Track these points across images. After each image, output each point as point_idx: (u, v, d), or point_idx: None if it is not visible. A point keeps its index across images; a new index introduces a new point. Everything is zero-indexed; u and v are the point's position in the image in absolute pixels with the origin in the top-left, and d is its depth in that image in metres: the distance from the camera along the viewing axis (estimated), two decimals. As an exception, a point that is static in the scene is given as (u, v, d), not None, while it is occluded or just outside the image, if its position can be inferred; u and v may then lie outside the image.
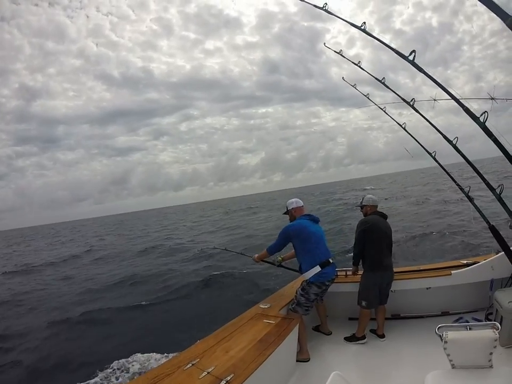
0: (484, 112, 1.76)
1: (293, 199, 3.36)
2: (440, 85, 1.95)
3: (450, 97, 1.96)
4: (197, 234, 22.06)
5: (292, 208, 3.28)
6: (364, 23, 2.35)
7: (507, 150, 1.79)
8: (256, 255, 3.50)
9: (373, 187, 45.21)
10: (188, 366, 2.21)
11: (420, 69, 1.99)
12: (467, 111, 1.83)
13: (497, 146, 1.78)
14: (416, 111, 2.60)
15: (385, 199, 23.43)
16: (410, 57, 1.99)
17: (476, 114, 1.81)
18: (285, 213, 3.37)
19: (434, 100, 2.39)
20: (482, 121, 1.80)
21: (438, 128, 2.54)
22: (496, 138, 1.78)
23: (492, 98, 3.59)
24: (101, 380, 4.47)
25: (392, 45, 2.23)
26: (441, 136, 2.47)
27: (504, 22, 0.99)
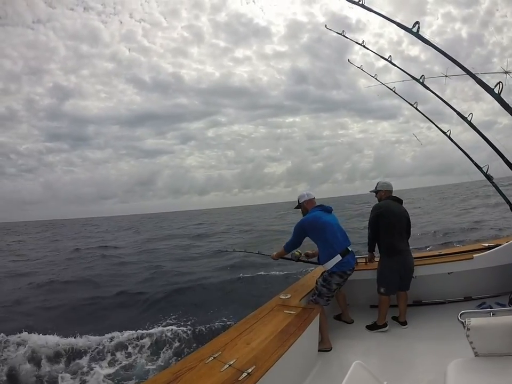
0: (498, 83, 1.60)
1: (304, 192, 3.30)
2: (450, 56, 1.79)
3: (462, 70, 1.80)
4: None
5: (304, 201, 3.23)
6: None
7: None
8: (275, 253, 3.49)
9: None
10: (210, 359, 2.23)
11: (425, 41, 1.84)
12: (480, 82, 1.67)
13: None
14: (426, 87, 2.44)
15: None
16: (414, 29, 1.84)
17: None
18: (296, 207, 3.34)
19: (446, 75, 2.23)
20: (497, 92, 1.64)
21: (451, 104, 2.37)
22: (513, 109, 1.62)
23: (506, 72, 3.34)
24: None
25: (397, 20, 2.10)
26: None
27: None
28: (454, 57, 1.80)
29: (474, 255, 3.25)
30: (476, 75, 1.80)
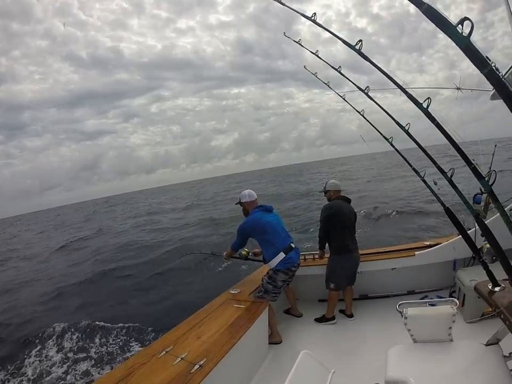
0: (427, 98, 1.81)
1: (246, 192, 3.35)
2: (384, 72, 1.99)
3: (395, 86, 2.01)
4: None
5: (245, 201, 3.31)
6: (314, 13, 2.34)
7: (449, 134, 1.86)
8: (225, 253, 3.55)
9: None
10: (162, 353, 2.29)
11: (366, 58, 2.02)
12: (410, 97, 1.88)
13: (440, 130, 1.84)
14: (370, 98, 2.65)
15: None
16: (357, 47, 2.01)
17: (419, 101, 1.86)
18: (237, 203, 3.39)
19: (405, 88, 2.44)
20: (425, 106, 1.84)
21: (391, 114, 2.60)
22: (439, 123, 1.84)
23: (458, 88, 3.69)
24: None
25: (343, 36, 2.27)
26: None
27: (419, 9, 1.00)
28: (389, 74, 2.00)
29: (416, 252, 3.50)
30: (407, 90, 2.00)
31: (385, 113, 2.56)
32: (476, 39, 0.98)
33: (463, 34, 0.98)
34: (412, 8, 1.00)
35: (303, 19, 2.50)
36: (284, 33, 3.61)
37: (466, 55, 1.01)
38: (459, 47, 0.99)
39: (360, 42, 2.09)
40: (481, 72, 1.02)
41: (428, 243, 3.72)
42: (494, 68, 1.05)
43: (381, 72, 1.96)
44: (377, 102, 3.34)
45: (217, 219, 16.11)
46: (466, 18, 0.98)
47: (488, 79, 1.04)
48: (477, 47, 1.00)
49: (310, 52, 3.25)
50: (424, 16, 0.98)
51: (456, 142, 1.75)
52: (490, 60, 1.06)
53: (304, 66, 3.90)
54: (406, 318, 1.92)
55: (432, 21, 0.99)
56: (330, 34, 2.54)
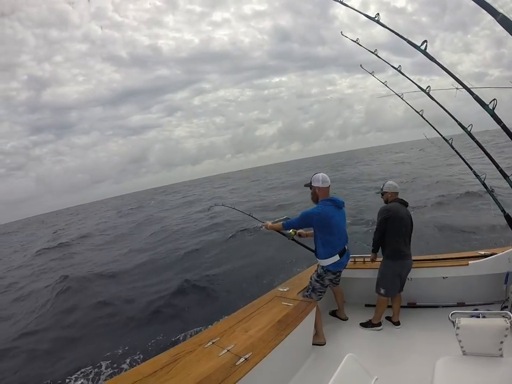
0: (493, 100, 1.81)
1: (320, 175, 3.01)
2: (451, 74, 2.00)
3: (461, 86, 2.01)
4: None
5: (317, 186, 2.98)
6: (378, 14, 2.39)
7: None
8: (269, 223, 3.36)
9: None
10: (209, 344, 2.35)
11: (432, 59, 2.04)
12: (477, 99, 1.88)
13: (506, 133, 1.83)
14: (432, 98, 2.63)
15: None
16: (422, 47, 2.04)
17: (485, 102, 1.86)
18: (306, 185, 3.13)
19: (457, 88, 2.41)
20: (491, 108, 1.85)
21: (453, 115, 2.56)
22: (505, 125, 1.83)
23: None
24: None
25: (404, 34, 2.29)
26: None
27: (495, 18, 1.07)
28: (455, 74, 2.01)
29: (469, 262, 3.31)
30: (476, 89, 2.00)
31: (449, 115, 2.51)
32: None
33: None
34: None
35: (337, 3, 2.51)
36: (341, 32, 3.65)
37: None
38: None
39: (425, 43, 2.12)
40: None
41: (483, 252, 3.48)
42: None
43: (448, 73, 1.98)
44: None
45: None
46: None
47: None
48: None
49: (369, 51, 3.27)
50: (500, 25, 1.04)
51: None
52: None
53: (361, 65, 3.91)
54: (458, 328, 1.86)
55: (508, 31, 1.04)
56: (367, 18, 2.51)
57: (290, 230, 3.34)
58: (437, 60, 2.04)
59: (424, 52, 2.04)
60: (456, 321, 1.89)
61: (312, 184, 3.02)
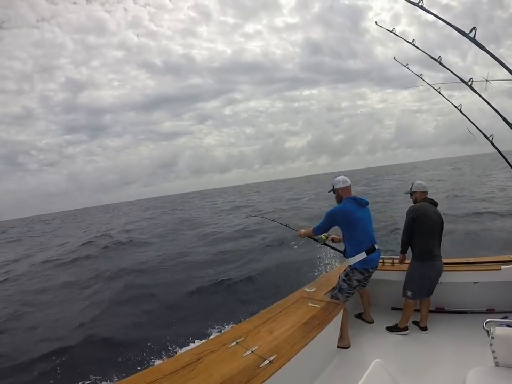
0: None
1: (340, 177, 3.18)
2: (504, 65, 1.83)
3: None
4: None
5: (339, 187, 3.13)
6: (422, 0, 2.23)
7: None
8: (302, 230, 3.47)
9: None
10: (233, 344, 2.29)
11: (482, 47, 1.88)
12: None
13: None
14: (475, 91, 2.46)
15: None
16: (471, 34, 1.89)
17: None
18: (330, 191, 3.25)
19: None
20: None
21: (498, 111, 2.38)
22: None
23: None
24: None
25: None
26: (498, 120, 2.31)
27: None
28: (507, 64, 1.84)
29: (502, 266, 3.16)
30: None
31: (494, 110, 2.33)
32: None
33: None
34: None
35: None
36: (394, 57, 3.62)
37: None
38: None
39: (474, 30, 1.96)
40: None
41: None
42: None
43: (501, 64, 1.81)
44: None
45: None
46: None
47: None
48: None
49: (406, 41, 3.11)
50: None
51: None
52: None
53: (394, 58, 3.76)
54: (493, 338, 1.76)
55: None
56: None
57: (322, 235, 3.46)
58: (486, 48, 1.89)
59: (473, 40, 1.88)
60: (491, 331, 1.78)
61: (334, 188, 3.17)
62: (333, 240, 3.52)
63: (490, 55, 1.85)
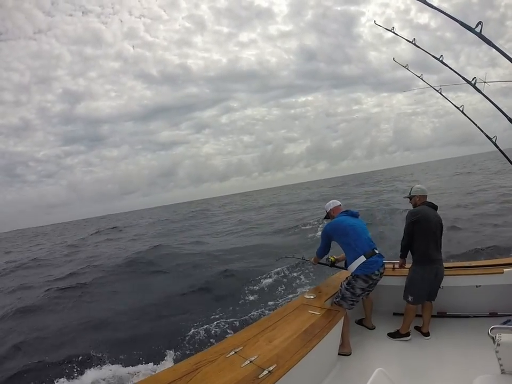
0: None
1: (330, 201, 3.43)
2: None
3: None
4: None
5: (330, 209, 3.35)
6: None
7: None
8: (312, 258, 3.62)
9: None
10: (231, 353, 2.21)
11: (489, 42, 1.80)
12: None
13: None
14: (479, 91, 2.38)
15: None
16: (477, 29, 1.81)
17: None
18: (325, 218, 3.46)
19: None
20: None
21: (502, 110, 2.30)
22: None
23: None
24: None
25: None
26: (498, 120, 2.23)
27: None
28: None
29: (504, 270, 3.11)
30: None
31: (500, 111, 2.25)
32: None
33: None
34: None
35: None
36: (393, 58, 3.61)
37: None
38: None
39: (480, 25, 1.88)
40: None
41: None
42: None
43: (508, 59, 1.72)
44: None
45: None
46: None
47: None
48: None
49: (407, 40, 3.04)
50: None
51: None
52: None
53: (393, 59, 3.70)
54: (499, 345, 1.68)
55: None
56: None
57: (330, 257, 3.56)
58: (494, 43, 1.80)
59: (479, 34, 1.81)
60: (497, 337, 1.70)
61: (327, 211, 3.40)
62: (337, 260, 3.57)
63: (497, 50, 1.77)
